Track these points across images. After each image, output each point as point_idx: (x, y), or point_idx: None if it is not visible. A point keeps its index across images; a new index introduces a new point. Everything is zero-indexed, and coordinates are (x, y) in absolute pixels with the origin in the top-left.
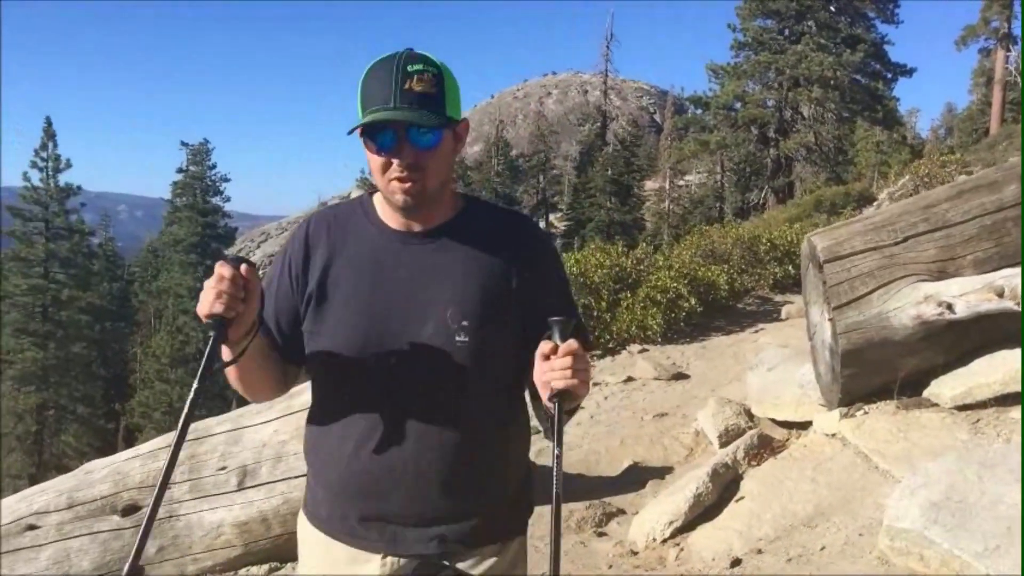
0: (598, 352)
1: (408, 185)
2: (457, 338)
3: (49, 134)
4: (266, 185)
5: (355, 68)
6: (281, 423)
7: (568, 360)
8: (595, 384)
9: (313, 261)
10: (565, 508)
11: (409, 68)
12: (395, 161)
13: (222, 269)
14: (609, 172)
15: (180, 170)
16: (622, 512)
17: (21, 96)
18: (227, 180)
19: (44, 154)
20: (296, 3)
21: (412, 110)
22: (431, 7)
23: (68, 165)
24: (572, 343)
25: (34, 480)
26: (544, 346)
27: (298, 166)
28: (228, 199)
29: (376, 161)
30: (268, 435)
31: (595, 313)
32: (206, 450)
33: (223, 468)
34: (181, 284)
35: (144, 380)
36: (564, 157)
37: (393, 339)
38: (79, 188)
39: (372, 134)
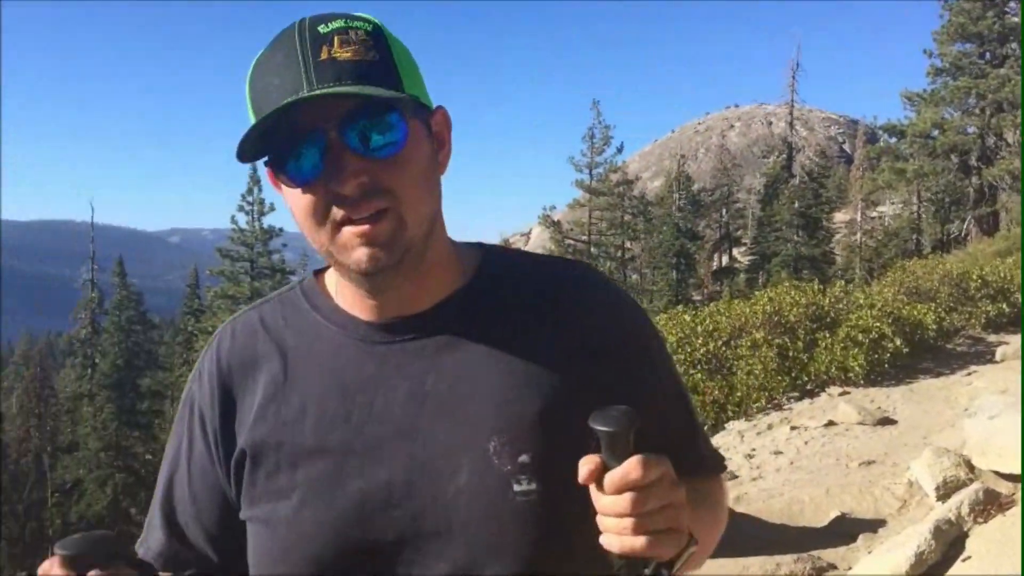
0: (795, 394)
1: (368, 227)
2: (516, 486)
3: (254, 180)
4: (448, 224)
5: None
6: None
7: (623, 501)
8: (793, 428)
9: (239, 400)
10: (771, 560)
11: (321, 29)
12: (334, 186)
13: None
14: (796, 204)
15: None
16: (833, 567)
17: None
18: None
19: (250, 198)
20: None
21: (338, 86)
22: (611, 45)
23: (271, 208)
24: (633, 466)
25: None
26: (585, 465)
27: (477, 204)
28: None
29: (301, 202)
30: None
31: (791, 353)
32: None
33: None
34: None
35: None
36: (748, 190)
37: (401, 517)
38: (281, 230)
39: (280, 154)
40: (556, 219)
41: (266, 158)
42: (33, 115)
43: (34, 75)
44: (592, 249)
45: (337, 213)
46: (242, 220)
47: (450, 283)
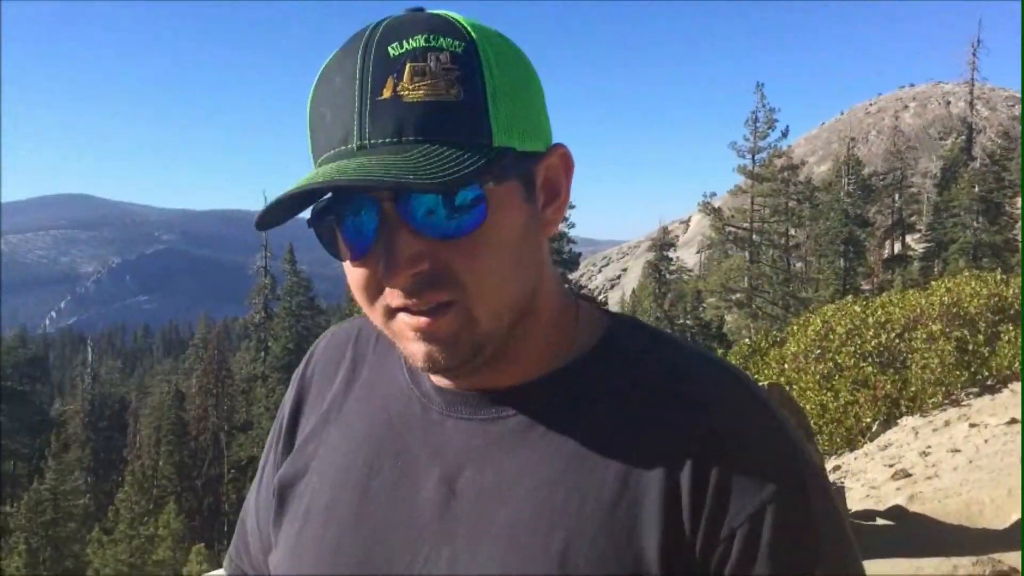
0: (975, 390)
1: (426, 321)
2: None
3: None
4: (607, 210)
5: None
6: None
7: None
8: (972, 425)
9: (306, 417)
10: (947, 562)
11: (392, 50)
12: (383, 273)
13: None
14: (976, 189)
15: None
16: (1015, 571)
17: None
18: (572, 207)
19: None
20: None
21: (395, 147)
22: (776, 26)
23: None
24: None
25: None
26: None
27: (641, 189)
28: (573, 225)
29: (353, 273)
30: None
31: (971, 347)
32: None
33: None
34: None
35: None
36: (923, 174)
37: None
38: None
39: (323, 219)
40: (716, 206)
41: (309, 218)
42: (211, 109)
43: (210, 71)
44: (755, 237)
45: (392, 299)
46: None
47: (549, 359)
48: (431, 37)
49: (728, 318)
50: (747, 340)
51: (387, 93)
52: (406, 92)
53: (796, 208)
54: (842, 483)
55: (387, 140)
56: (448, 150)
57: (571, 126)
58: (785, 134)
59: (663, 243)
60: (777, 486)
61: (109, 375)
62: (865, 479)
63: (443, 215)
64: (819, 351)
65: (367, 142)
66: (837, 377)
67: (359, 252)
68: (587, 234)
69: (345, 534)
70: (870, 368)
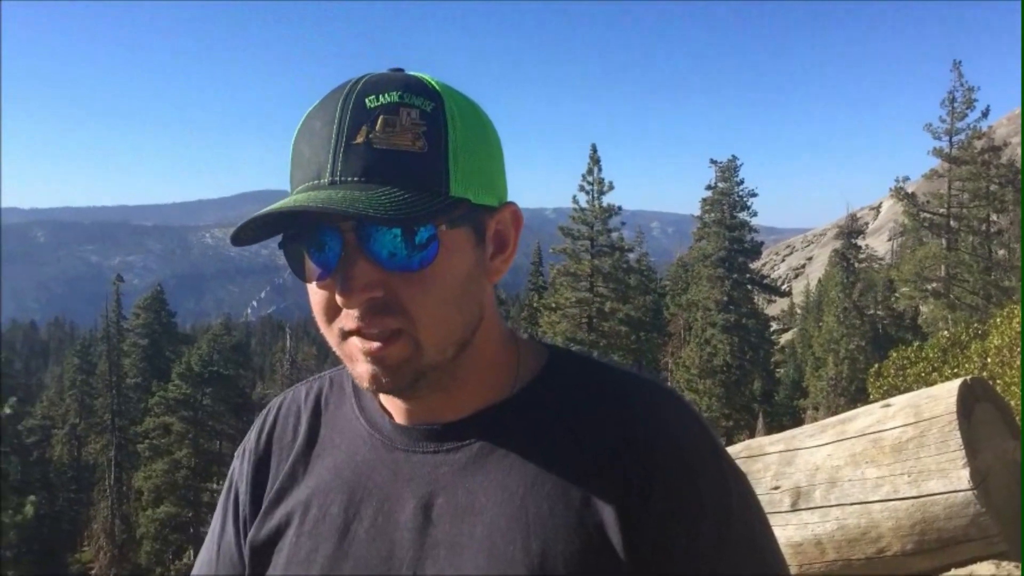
0: None
1: (376, 346)
2: None
3: (595, 160)
4: (791, 197)
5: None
6: (834, 447)
7: None
8: None
9: (268, 485)
10: None
11: (369, 102)
12: (340, 296)
13: None
14: None
15: (709, 187)
16: None
17: (572, 124)
18: (754, 195)
19: (590, 178)
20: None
21: (361, 186)
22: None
23: (611, 187)
24: None
25: None
26: None
27: (826, 175)
28: (755, 214)
29: (314, 295)
30: (821, 459)
31: None
32: (759, 468)
33: (776, 488)
34: (709, 297)
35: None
36: None
37: None
38: (619, 208)
39: (293, 241)
40: (910, 191)
41: (280, 238)
42: None
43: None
44: (952, 223)
45: (346, 321)
46: (583, 199)
47: (495, 391)
48: (404, 95)
49: (923, 308)
50: (945, 332)
51: (360, 139)
52: (377, 139)
53: (998, 192)
54: None
55: (355, 179)
56: (408, 193)
57: (754, 110)
58: (986, 114)
59: (851, 230)
60: (709, 495)
61: (305, 361)
62: None
63: (400, 250)
64: None
65: (338, 178)
66: None
67: (321, 275)
68: (769, 222)
69: (332, 573)
70: None
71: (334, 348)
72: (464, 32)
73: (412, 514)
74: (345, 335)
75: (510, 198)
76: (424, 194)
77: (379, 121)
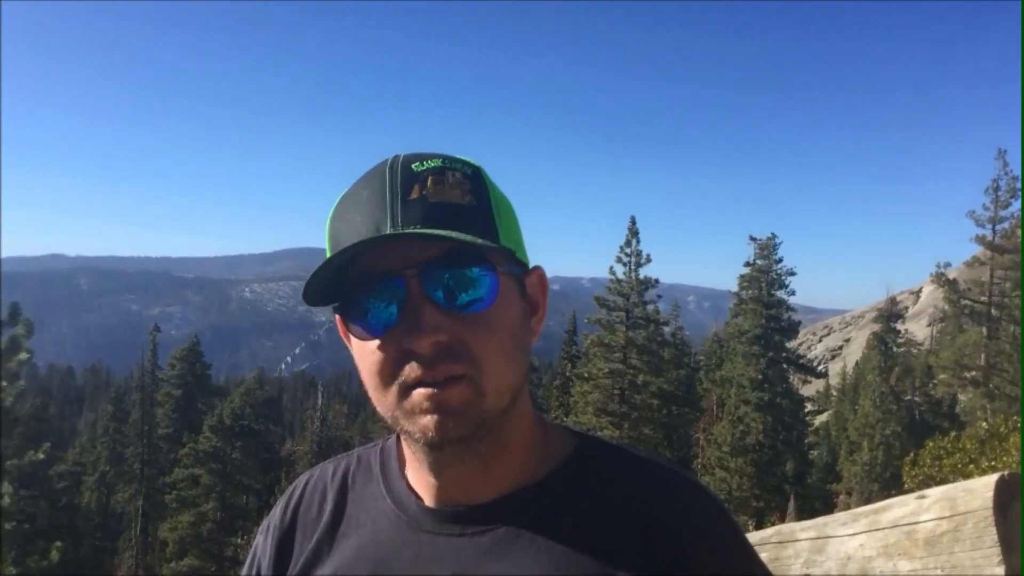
0: None
1: (440, 392)
2: None
3: (633, 232)
4: (831, 278)
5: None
6: (867, 537)
7: None
8: None
9: (292, 562)
10: None
11: (415, 167)
12: (408, 342)
13: None
14: None
15: (747, 263)
16: None
17: (609, 194)
18: (792, 274)
19: (628, 250)
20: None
21: (429, 227)
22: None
23: (648, 260)
24: None
25: None
26: None
27: (866, 257)
28: (792, 292)
29: (371, 357)
30: (853, 548)
31: None
32: (790, 554)
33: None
34: (743, 375)
35: (705, 466)
36: None
37: None
38: (656, 280)
39: (354, 300)
40: (951, 277)
41: (336, 304)
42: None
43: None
44: (993, 311)
45: (409, 372)
46: (619, 270)
47: (524, 473)
48: (446, 160)
49: (961, 397)
50: (983, 423)
51: (415, 195)
52: (430, 194)
53: None
54: None
55: (415, 226)
56: (468, 235)
57: (795, 189)
58: None
59: (891, 314)
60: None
61: (336, 419)
62: None
63: (463, 294)
64: None
65: (399, 229)
66: None
67: (382, 327)
68: (807, 301)
69: None
70: None
71: (390, 411)
72: (505, 100)
73: None
74: (407, 389)
75: (548, 264)
76: (481, 232)
77: (429, 180)
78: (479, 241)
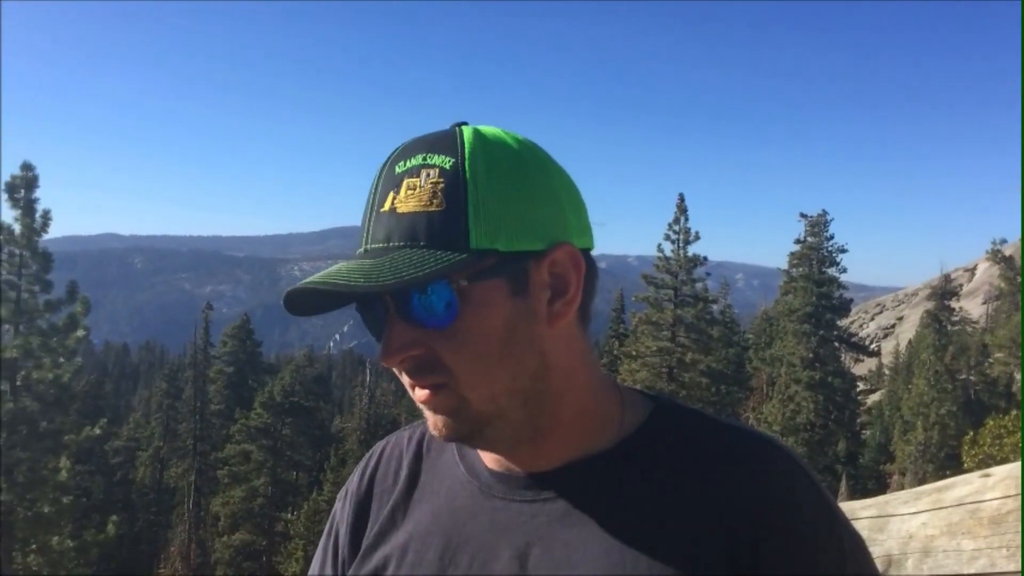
0: None
1: (428, 395)
2: None
3: (682, 209)
4: (883, 255)
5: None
6: (930, 516)
7: None
8: None
9: (369, 527)
10: None
11: (398, 167)
12: (381, 359)
13: None
14: None
15: (798, 241)
16: None
17: (656, 172)
18: (844, 251)
19: (676, 227)
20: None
21: (380, 252)
22: None
23: (696, 237)
24: None
25: None
26: None
27: (919, 233)
28: (844, 270)
29: None
30: (916, 527)
31: None
32: None
33: None
34: (794, 353)
35: None
36: None
37: None
38: (704, 258)
39: (358, 309)
40: (1007, 254)
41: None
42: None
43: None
44: None
45: (402, 375)
46: (667, 248)
47: (594, 439)
48: (427, 155)
49: (1017, 376)
50: None
51: (387, 206)
52: (400, 205)
53: None
54: None
55: (379, 246)
56: (422, 252)
57: (848, 165)
58: None
59: (945, 291)
60: (825, 567)
61: (383, 396)
62: None
63: (426, 309)
64: None
65: (368, 247)
66: None
67: (377, 337)
68: (859, 279)
69: None
70: None
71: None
72: (557, 79)
73: (507, 564)
74: (411, 386)
75: (594, 243)
76: (437, 252)
77: (403, 186)
78: (420, 274)
